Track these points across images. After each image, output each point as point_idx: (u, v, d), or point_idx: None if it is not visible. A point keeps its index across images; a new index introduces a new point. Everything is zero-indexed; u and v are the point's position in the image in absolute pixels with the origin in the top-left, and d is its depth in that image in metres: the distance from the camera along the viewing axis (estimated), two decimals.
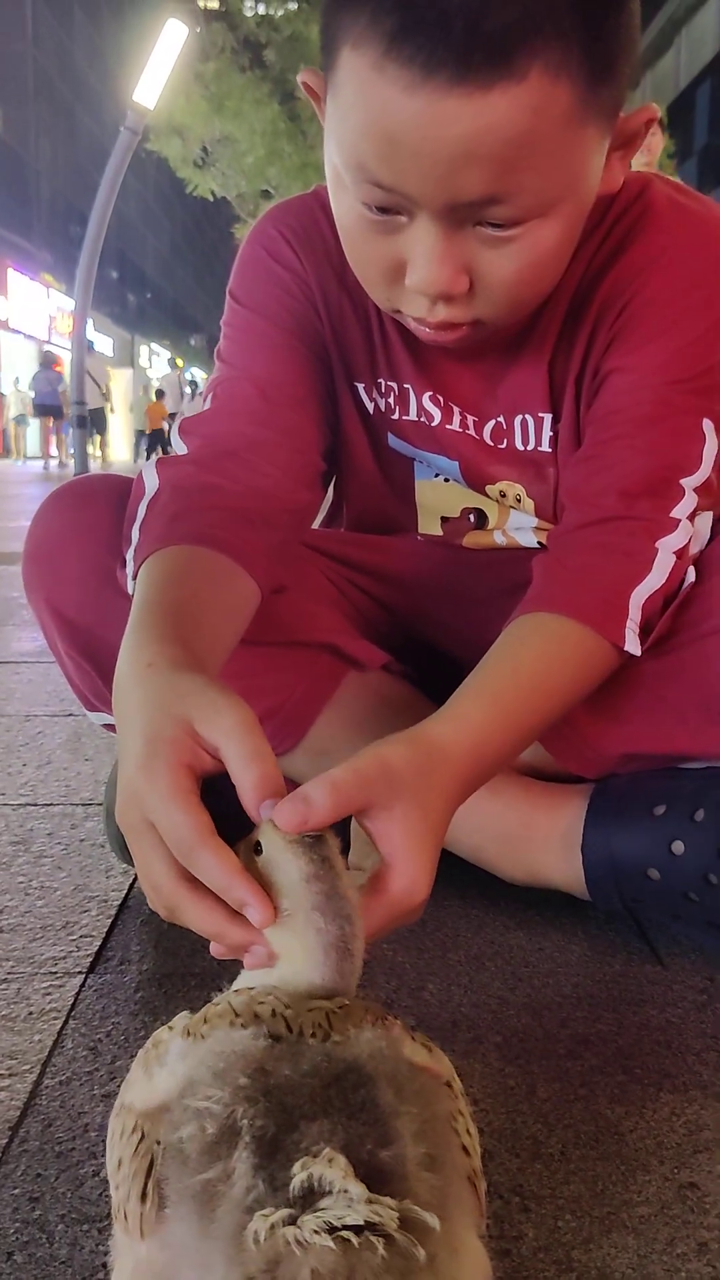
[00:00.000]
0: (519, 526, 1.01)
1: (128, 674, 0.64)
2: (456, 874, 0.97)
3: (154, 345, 44.00)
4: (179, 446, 0.91)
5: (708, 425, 0.84)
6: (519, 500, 0.97)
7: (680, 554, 0.81)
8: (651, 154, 4.08)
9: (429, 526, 1.05)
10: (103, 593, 0.92)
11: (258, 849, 0.55)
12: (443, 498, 1.03)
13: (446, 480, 1.01)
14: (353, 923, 0.53)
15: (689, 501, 0.82)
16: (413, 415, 0.96)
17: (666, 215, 0.86)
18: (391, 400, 0.96)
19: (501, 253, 0.72)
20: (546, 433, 0.93)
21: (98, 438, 16.33)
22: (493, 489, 0.98)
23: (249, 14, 18.30)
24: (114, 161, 10.08)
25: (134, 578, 0.79)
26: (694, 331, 0.84)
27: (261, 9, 18.74)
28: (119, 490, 0.94)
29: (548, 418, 0.93)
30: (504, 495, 0.98)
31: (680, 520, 0.81)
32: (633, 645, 0.78)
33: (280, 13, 17.92)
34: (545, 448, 0.93)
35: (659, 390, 0.84)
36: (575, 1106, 0.69)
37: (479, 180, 0.67)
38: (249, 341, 0.95)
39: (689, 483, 0.82)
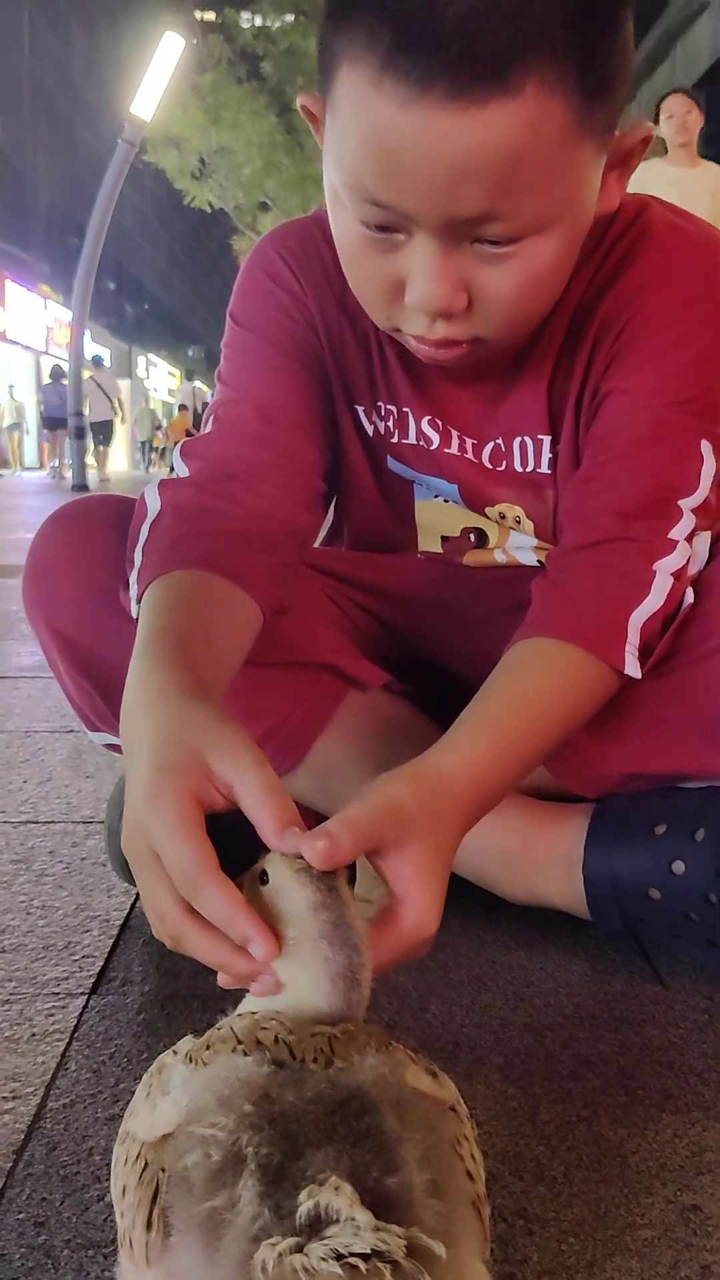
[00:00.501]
0: (519, 546, 1.02)
1: (136, 700, 0.65)
2: (458, 893, 0.97)
3: (151, 356, 44.06)
4: (180, 469, 0.92)
5: (706, 447, 0.84)
6: (518, 522, 0.98)
7: (678, 575, 0.82)
8: (689, 133, 4.01)
9: (429, 545, 1.05)
10: (102, 613, 0.92)
11: (264, 878, 0.55)
12: (443, 518, 1.04)
13: (446, 501, 1.02)
14: (360, 952, 0.54)
15: (687, 523, 0.82)
16: (411, 439, 0.96)
17: (664, 237, 0.87)
18: (390, 424, 0.97)
19: (499, 270, 0.73)
20: (545, 454, 0.93)
21: (106, 449, 16.37)
22: (492, 511, 0.98)
23: (246, 26, 18.37)
24: (111, 173, 10.11)
25: (138, 600, 0.80)
26: (691, 353, 0.85)
27: (258, 21, 18.81)
28: (119, 511, 0.95)
29: (546, 439, 0.93)
30: (504, 517, 0.98)
31: (678, 541, 0.82)
32: (632, 668, 0.79)
33: (277, 25, 17.98)
34: (544, 469, 0.94)
35: (657, 411, 0.85)
36: (578, 1128, 0.69)
37: (476, 197, 0.68)
38: (249, 364, 0.96)
39: (687, 504, 0.83)
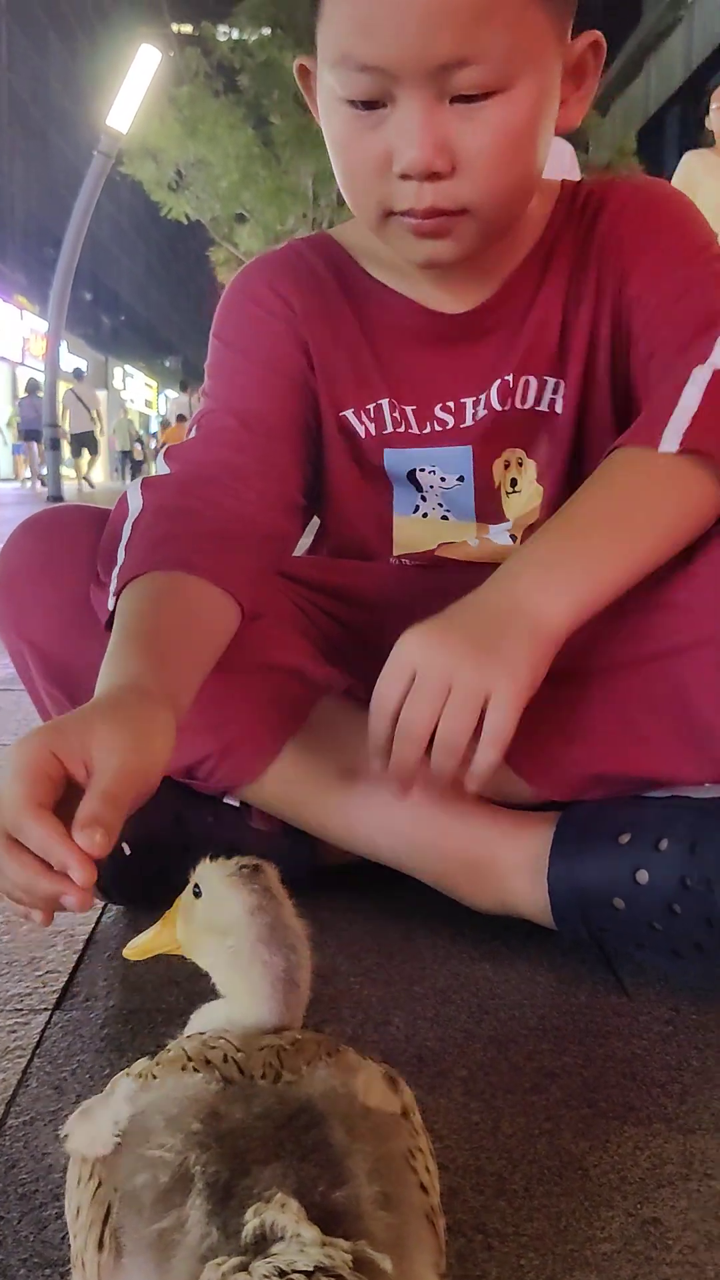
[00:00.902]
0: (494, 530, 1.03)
1: (97, 689, 0.70)
2: (424, 904, 0.97)
3: (128, 367, 43.99)
4: (163, 470, 0.96)
5: None
6: (520, 465, 1.02)
7: None
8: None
9: (404, 549, 1.06)
10: (74, 623, 0.93)
11: (197, 892, 0.55)
12: (420, 534, 1.05)
13: (425, 515, 1.03)
14: (297, 952, 0.54)
15: None
16: (420, 429, 1.01)
17: (625, 181, 1.03)
18: (387, 418, 1.02)
19: (476, 125, 0.82)
20: (548, 395, 1.00)
21: (89, 460, 17.03)
22: (498, 463, 1.02)
23: (223, 39, 18.40)
24: (87, 184, 10.10)
25: (116, 595, 0.83)
26: (683, 227, 0.98)
27: (235, 35, 18.84)
28: (90, 520, 0.96)
29: (551, 381, 1.00)
30: (507, 465, 1.02)
31: None
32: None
33: (254, 38, 18.01)
34: (544, 408, 1.01)
35: (681, 273, 0.95)
36: (539, 1141, 0.69)
37: (449, 40, 0.78)
38: (231, 377, 1.01)
39: None
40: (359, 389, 1.02)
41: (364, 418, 1.03)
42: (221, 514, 0.90)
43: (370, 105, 0.83)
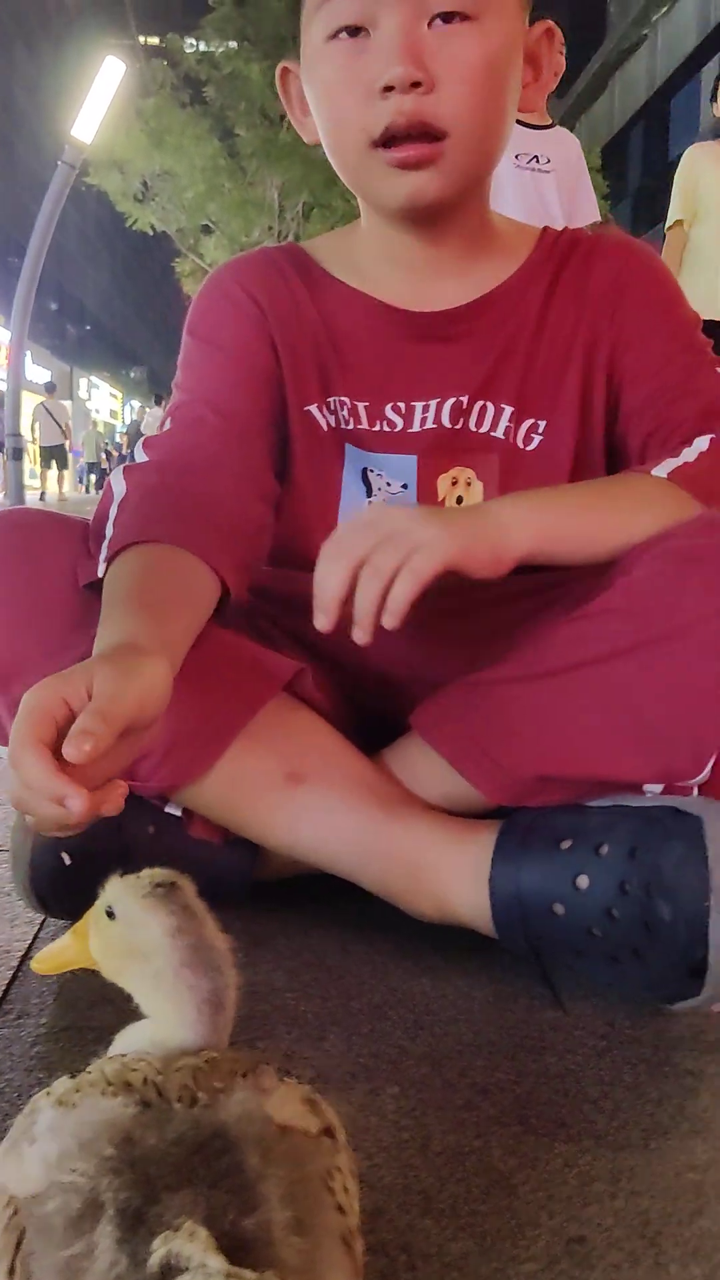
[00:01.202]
0: None
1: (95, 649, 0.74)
2: (364, 920, 0.97)
3: (93, 378, 43.85)
4: (141, 459, 1.00)
5: None
6: (469, 485, 1.05)
7: None
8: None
9: None
10: (20, 631, 0.92)
11: (110, 914, 0.54)
12: None
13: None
14: (223, 973, 0.53)
15: None
16: (370, 426, 1.05)
17: (617, 240, 1.09)
18: (346, 413, 1.06)
19: (452, 45, 0.90)
20: (504, 423, 1.05)
21: (60, 473, 17.46)
22: (444, 479, 1.05)
23: (189, 51, 18.43)
24: (52, 194, 10.07)
25: (107, 562, 0.87)
26: (678, 308, 1.07)
27: (202, 47, 18.88)
28: (50, 522, 0.96)
29: (508, 410, 1.05)
30: (455, 483, 1.05)
31: None
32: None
33: (220, 50, 18.05)
34: (501, 436, 1.05)
35: (679, 358, 1.03)
36: (469, 1159, 0.68)
37: None
38: (205, 370, 1.06)
39: None
40: (321, 383, 1.07)
41: (324, 411, 1.07)
42: (204, 501, 0.94)
43: (355, 32, 0.91)
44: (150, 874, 0.54)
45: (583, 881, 0.84)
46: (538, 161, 3.58)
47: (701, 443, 0.96)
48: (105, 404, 46.40)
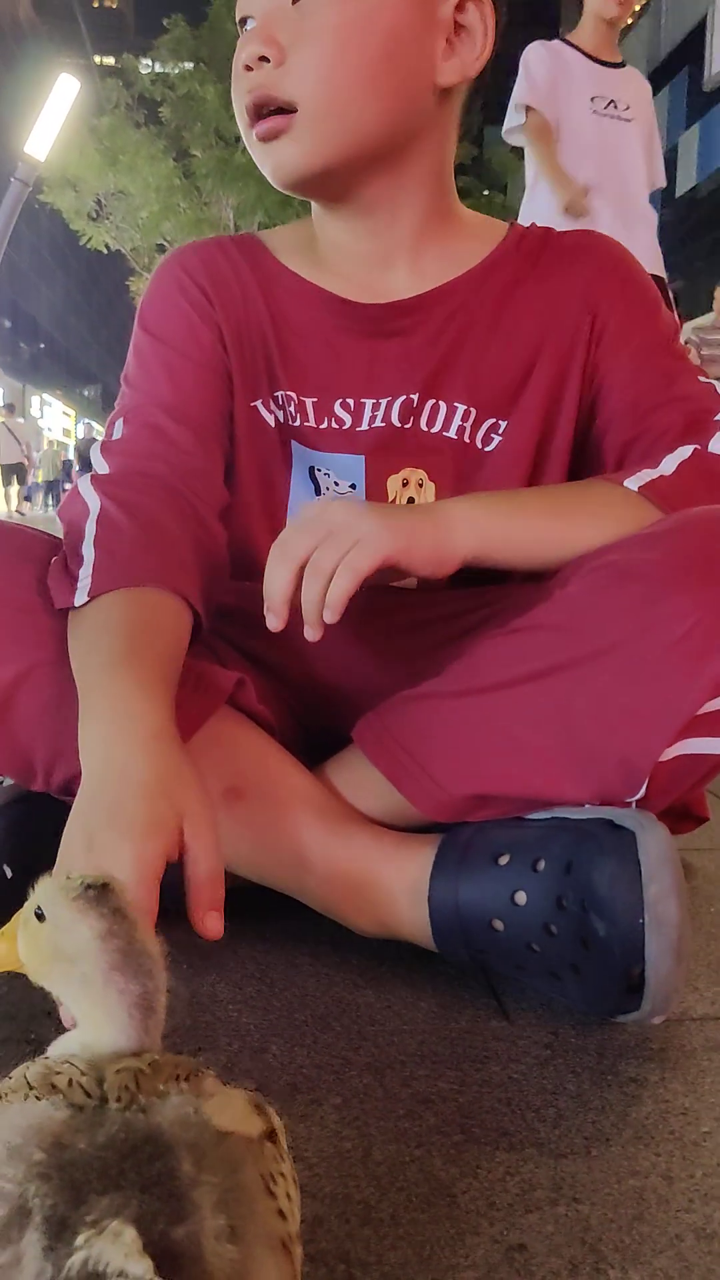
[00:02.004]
0: None
1: (125, 727, 0.73)
2: (309, 932, 0.96)
3: (46, 396, 43.60)
4: (100, 465, 0.98)
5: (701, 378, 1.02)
6: (420, 486, 1.04)
7: None
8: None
9: None
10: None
11: (40, 915, 0.53)
12: None
13: None
14: (154, 976, 0.51)
15: None
16: (314, 423, 1.04)
17: (596, 239, 1.07)
18: (293, 409, 1.04)
19: (308, 21, 0.91)
20: (457, 422, 1.03)
21: (21, 489, 17.76)
22: (394, 479, 1.04)
23: (145, 71, 18.46)
24: (4, 210, 10.01)
25: (88, 595, 0.85)
26: (657, 316, 1.05)
27: (157, 67, 18.92)
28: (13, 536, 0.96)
29: (461, 408, 1.03)
30: (405, 484, 1.04)
31: None
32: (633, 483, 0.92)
33: (175, 71, 18.11)
34: (454, 436, 1.04)
35: (659, 365, 1.02)
36: (410, 1168, 0.68)
37: None
38: (156, 368, 1.04)
39: None
40: (268, 378, 1.05)
41: (272, 406, 1.05)
42: (172, 533, 0.92)
43: (244, 23, 0.95)
44: (81, 876, 0.53)
45: (520, 897, 0.83)
46: (615, 107, 3.25)
47: (683, 452, 0.94)
48: (58, 422, 46.13)
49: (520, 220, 1.14)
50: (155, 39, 18.58)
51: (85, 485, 0.95)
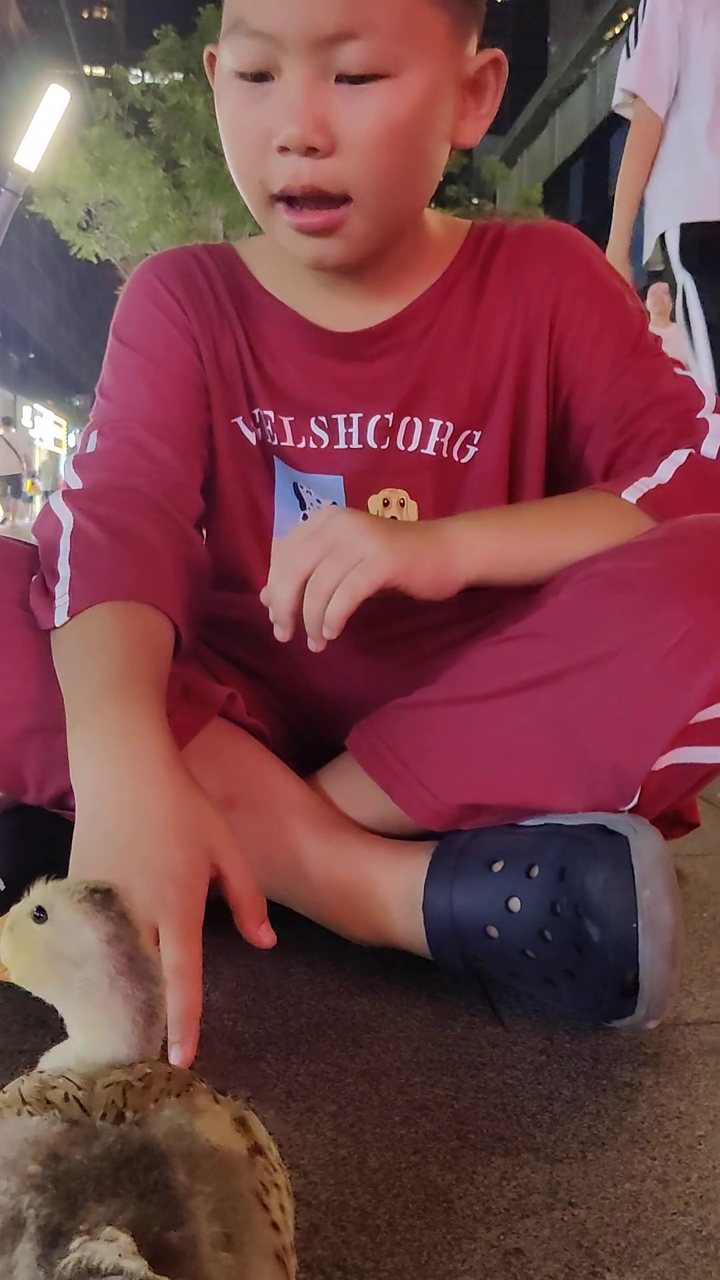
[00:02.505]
0: None
1: (132, 759, 0.74)
2: (304, 941, 0.96)
3: (37, 406, 43.58)
4: (74, 479, 0.96)
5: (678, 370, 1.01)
6: (402, 505, 1.02)
7: None
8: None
9: None
10: None
11: (39, 915, 0.53)
12: None
13: None
14: (158, 982, 0.52)
15: (716, 425, 0.96)
16: (291, 442, 1.02)
17: (545, 229, 1.04)
18: (270, 428, 1.03)
19: (359, 105, 0.83)
20: (434, 438, 1.02)
21: (16, 501, 17.96)
22: (375, 499, 1.03)
23: (134, 82, 18.50)
24: None
25: (69, 613, 0.84)
26: (621, 310, 1.01)
27: (147, 78, 18.96)
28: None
29: (437, 424, 1.01)
30: (386, 504, 1.02)
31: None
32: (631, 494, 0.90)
33: (165, 82, 18.15)
34: (431, 452, 1.02)
35: (632, 365, 0.99)
36: (406, 1175, 0.68)
37: (337, 11, 0.79)
38: (133, 380, 1.02)
39: (706, 412, 0.97)
40: (246, 395, 1.04)
41: (250, 424, 1.04)
42: (153, 548, 0.90)
43: (258, 78, 0.84)
44: (81, 880, 0.53)
45: (514, 904, 0.83)
46: None
47: (678, 457, 0.93)
48: (50, 432, 46.09)
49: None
50: (145, 50, 18.63)
51: (58, 501, 0.93)
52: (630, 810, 0.84)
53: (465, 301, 1.01)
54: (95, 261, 19.11)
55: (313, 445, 1.03)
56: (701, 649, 0.77)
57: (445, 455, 1.03)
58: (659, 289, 5.42)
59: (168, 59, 17.96)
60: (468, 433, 1.02)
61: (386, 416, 1.01)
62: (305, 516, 1.04)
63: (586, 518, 0.91)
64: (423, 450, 1.02)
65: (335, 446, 1.02)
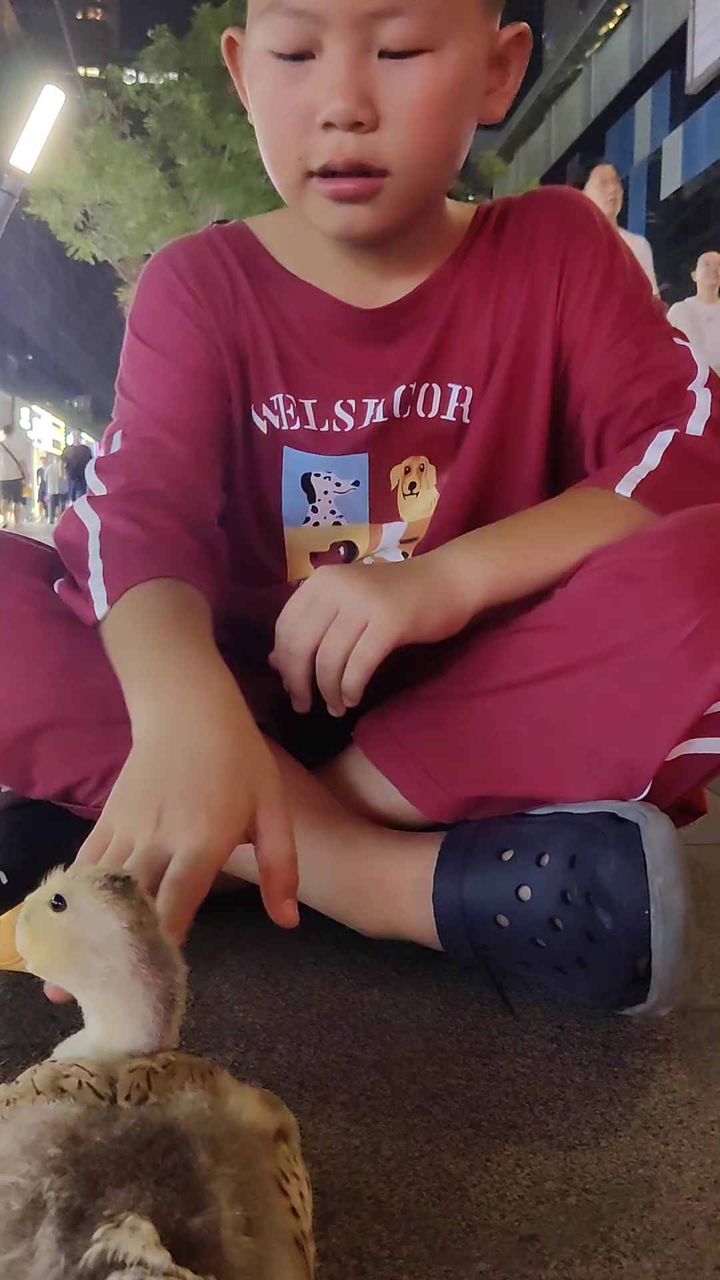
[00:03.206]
0: (385, 546, 1.04)
1: (195, 692, 0.73)
2: (313, 932, 0.96)
3: (35, 408, 43.59)
4: (97, 485, 0.95)
5: (678, 340, 1.00)
6: (422, 470, 1.02)
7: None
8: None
9: (300, 568, 1.05)
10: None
11: (57, 904, 0.53)
12: (312, 537, 1.04)
13: (316, 525, 1.04)
14: (178, 970, 0.52)
15: (704, 400, 0.95)
16: (315, 426, 1.01)
17: (551, 194, 1.04)
18: (292, 412, 1.01)
19: (402, 79, 0.83)
20: (453, 403, 1.01)
21: (17, 505, 18.35)
22: (397, 470, 1.02)
23: (129, 82, 18.48)
24: None
25: (107, 601, 0.85)
26: (627, 278, 1.01)
27: (142, 78, 18.94)
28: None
29: (456, 389, 1.00)
30: (408, 471, 1.02)
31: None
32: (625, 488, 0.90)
33: (160, 82, 18.13)
34: (449, 417, 1.01)
35: (632, 331, 0.98)
36: (420, 1163, 0.68)
37: None
38: (152, 380, 1.01)
39: (697, 385, 0.96)
40: (262, 383, 1.02)
41: (266, 411, 1.02)
42: (178, 531, 0.90)
43: (297, 57, 0.84)
44: (99, 869, 0.53)
45: (525, 893, 0.83)
46: None
47: (664, 439, 0.92)
48: (48, 434, 46.09)
49: None
50: (140, 50, 18.62)
51: (83, 507, 0.92)
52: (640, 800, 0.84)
53: (480, 267, 1.01)
54: (93, 263, 19.11)
55: (335, 429, 1.01)
56: (713, 643, 0.78)
57: (466, 421, 1.02)
58: (711, 259, 5.45)
59: (162, 59, 17.95)
60: (460, 389, 1.02)
61: (410, 386, 1.00)
62: (315, 509, 1.04)
63: (585, 522, 0.90)
64: (443, 416, 1.01)
65: (360, 427, 1.01)
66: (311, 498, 1.04)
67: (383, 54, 0.83)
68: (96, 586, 0.86)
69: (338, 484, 1.03)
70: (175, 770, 0.67)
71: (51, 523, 18.54)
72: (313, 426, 1.02)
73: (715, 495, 0.89)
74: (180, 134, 17.37)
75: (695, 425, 0.93)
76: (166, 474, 0.94)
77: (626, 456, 0.93)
